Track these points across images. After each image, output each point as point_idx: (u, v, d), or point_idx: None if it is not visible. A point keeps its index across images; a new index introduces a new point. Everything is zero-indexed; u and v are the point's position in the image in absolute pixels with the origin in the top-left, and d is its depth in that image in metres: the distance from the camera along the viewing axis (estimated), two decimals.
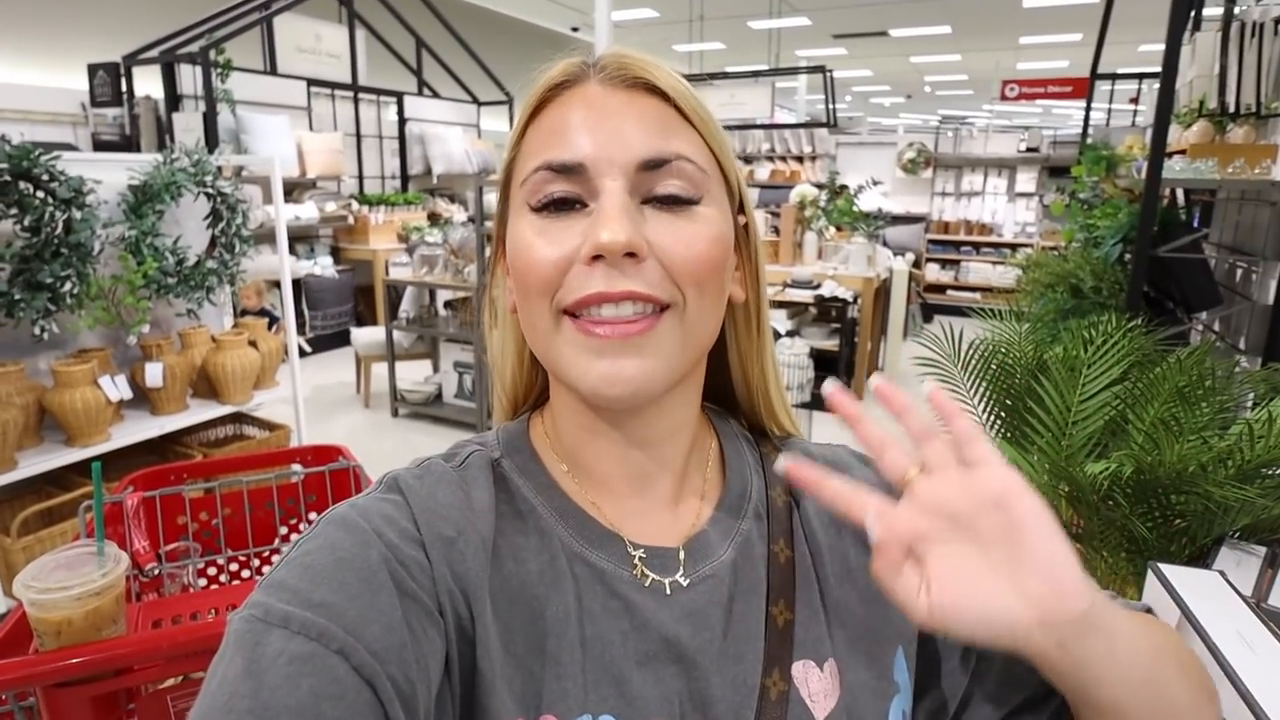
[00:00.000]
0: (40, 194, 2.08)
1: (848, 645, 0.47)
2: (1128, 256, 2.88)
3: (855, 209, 5.16)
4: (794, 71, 7.14)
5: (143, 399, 2.46)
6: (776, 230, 5.88)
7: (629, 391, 0.41)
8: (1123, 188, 3.66)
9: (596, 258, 0.40)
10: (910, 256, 6.64)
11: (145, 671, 0.72)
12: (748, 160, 9.05)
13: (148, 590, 1.05)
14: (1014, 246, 8.65)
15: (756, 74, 6.74)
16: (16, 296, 2.06)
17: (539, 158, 0.43)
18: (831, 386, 0.42)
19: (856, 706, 0.44)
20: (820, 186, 5.67)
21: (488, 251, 3.86)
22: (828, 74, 6.23)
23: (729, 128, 8.94)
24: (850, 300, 4.69)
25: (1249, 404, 1.39)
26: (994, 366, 1.40)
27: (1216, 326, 2.81)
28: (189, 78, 4.60)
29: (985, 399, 1.44)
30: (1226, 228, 2.99)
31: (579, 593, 0.44)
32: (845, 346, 4.74)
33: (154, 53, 4.55)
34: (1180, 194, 3.33)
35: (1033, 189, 9.13)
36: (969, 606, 0.37)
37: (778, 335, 3.90)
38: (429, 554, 0.41)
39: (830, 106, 6.16)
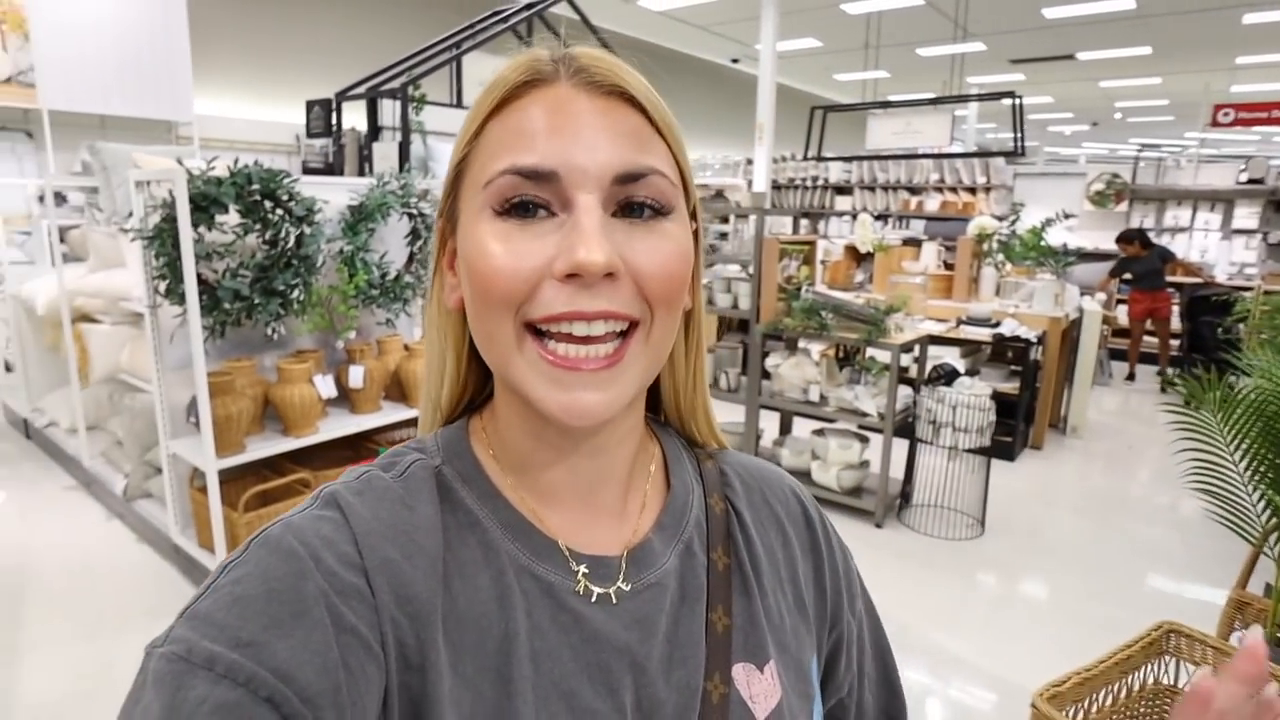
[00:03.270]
0: (280, 212, 2.36)
1: (780, 649, 0.48)
2: None
3: (1043, 244, 4.75)
4: (980, 98, 6.71)
5: (344, 398, 2.70)
6: (947, 265, 5.55)
7: (589, 423, 0.40)
8: None
9: (571, 275, 0.38)
10: (1101, 297, 6.04)
11: None
12: (914, 191, 8.64)
13: None
14: (1229, 290, 7.63)
15: (936, 101, 6.42)
16: (256, 301, 2.32)
17: (505, 160, 0.40)
18: (1254, 637, 0.40)
19: (791, 707, 0.47)
20: (1000, 219, 5.29)
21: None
22: (1017, 100, 5.83)
23: (900, 157, 8.62)
24: (1033, 341, 4.31)
25: None
26: (1266, 416, 1.20)
27: None
28: (389, 111, 5.08)
29: (1249, 453, 1.25)
30: None
31: (528, 608, 0.42)
32: (1026, 391, 4.35)
33: (361, 89, 5.08)
34: None
35: (1254, 225, 8.05)
36: None
37: (955, 375, 3.63)
38: (371, 580, 0.38)
39: (1018, 134, 5.74)
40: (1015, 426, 4.30)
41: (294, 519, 0.40)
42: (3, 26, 5.13)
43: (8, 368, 4.47)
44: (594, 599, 0.44)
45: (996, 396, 3.20)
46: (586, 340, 0.39)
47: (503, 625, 0.41)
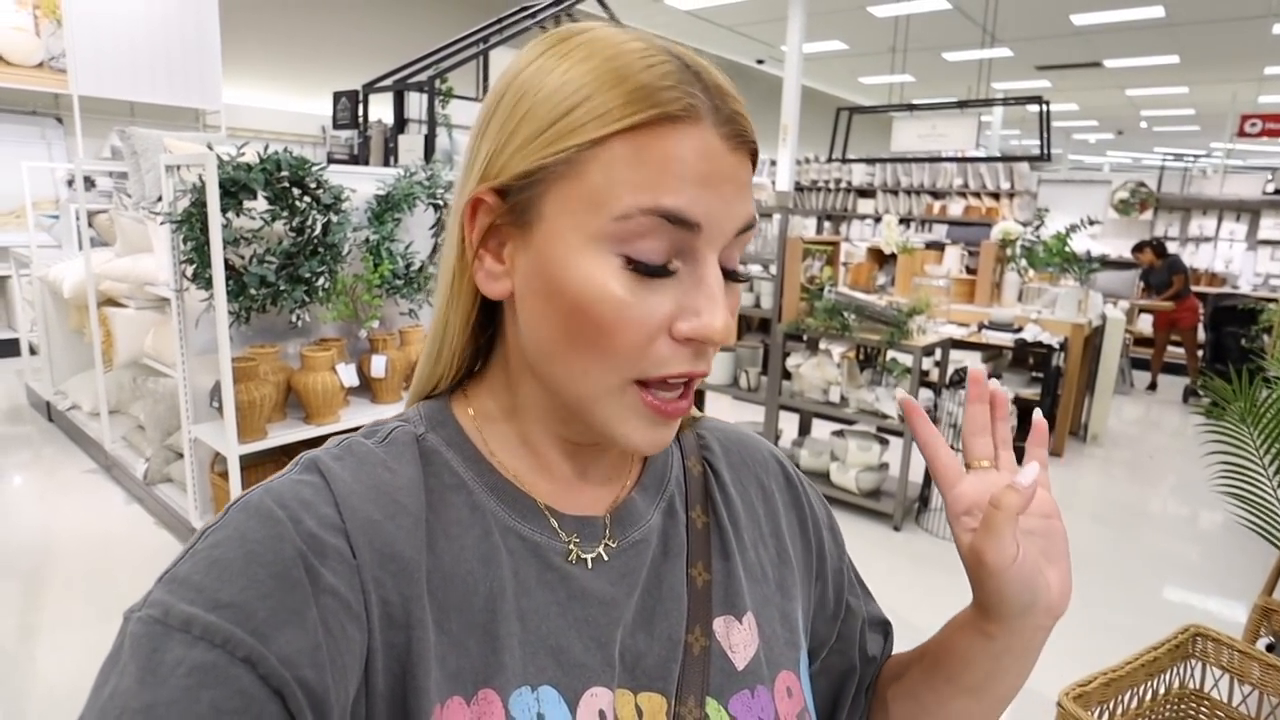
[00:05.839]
0: (307, 199, 2.35)
1: (763, 601, 0.50)
2: None
3: (1067, 250, 4.70)
4: (1007, 103, 6.64)
5: (365, 387, 2.70)
6: (969, 270, 5.50)
7: (662, 447, 0.43)
8: None
9: (691, 339, 0.40)
10: (1124, 305, 5.97)
11: None
12: (938, 195, 8.57)
13: None
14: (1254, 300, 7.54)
15: (962, 104, 6.37)
16: (281, 287, 2.32)
17: (646, 197, 0.37)
18: (976, 368, 0.43)
19: (773, 655, 0.48)
20: (1025, 224, 5.24)
21: None
22: (1044, 105, 5.77)
23: (924, 160, 8.55)
24: (1055, 347, 4.26)
25: None
26: None
27: None
28: (415, 103, 5.09)
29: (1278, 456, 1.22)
30: None
31: (515, 566, 0.43)
32: (1046, 397, 4.30)
33: (388, 81, 5.09)
34: None
35: None
36: (1031, 574, 0.45)
37: None
38: (352, 541, 0.38)
39: (1045, 138, 5.69)
40: None
41: (274, 484, 0.40)
42: (36, 12, 5.18)
43: (32, 350, 4.52)
44: (580, 559, 0.45)
45: (1017, 402, 3.17)
46: (678, 398, 0.42)
47: (489, 583, 0.42)
